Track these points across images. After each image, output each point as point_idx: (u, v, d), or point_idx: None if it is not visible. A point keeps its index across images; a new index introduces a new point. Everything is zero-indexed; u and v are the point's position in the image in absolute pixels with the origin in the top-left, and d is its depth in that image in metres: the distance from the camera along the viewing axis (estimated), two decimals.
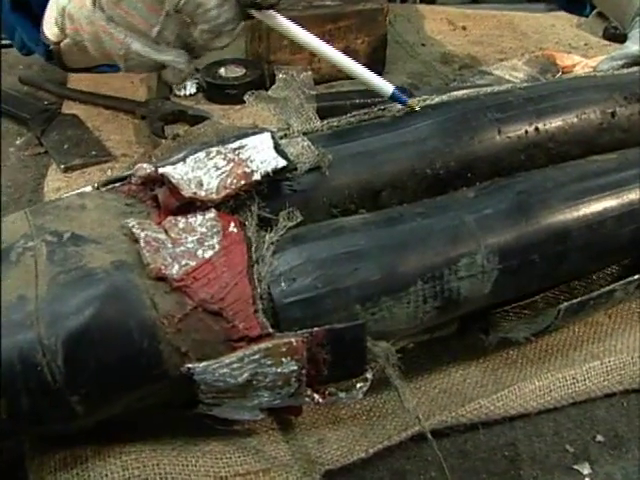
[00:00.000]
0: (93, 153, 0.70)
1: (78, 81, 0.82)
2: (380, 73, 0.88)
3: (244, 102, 0.75)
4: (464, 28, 1.04)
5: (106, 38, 0.53)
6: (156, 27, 0.52)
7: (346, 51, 0.84)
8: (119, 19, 0.52)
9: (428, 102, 0.51)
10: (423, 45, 0.99)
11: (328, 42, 0.81)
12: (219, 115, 0.76)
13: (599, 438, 0.45)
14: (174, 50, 0.54)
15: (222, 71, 0.82)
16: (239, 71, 0.82)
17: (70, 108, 0.79)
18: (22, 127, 0.78)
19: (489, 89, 0.54)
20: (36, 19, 0.63)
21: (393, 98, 0.50)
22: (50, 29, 0.59)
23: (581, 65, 0.85)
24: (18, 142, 0.76)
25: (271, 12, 0.52)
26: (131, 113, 0.78)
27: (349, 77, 0.85)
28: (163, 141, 0.70)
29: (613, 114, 0.53)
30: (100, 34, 0.53)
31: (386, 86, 0.50)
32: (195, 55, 0.56)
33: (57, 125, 0.75)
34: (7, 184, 0.69)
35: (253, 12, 0.53)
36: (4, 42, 1.18)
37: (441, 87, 0.84)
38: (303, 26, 0.80)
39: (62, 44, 0.59)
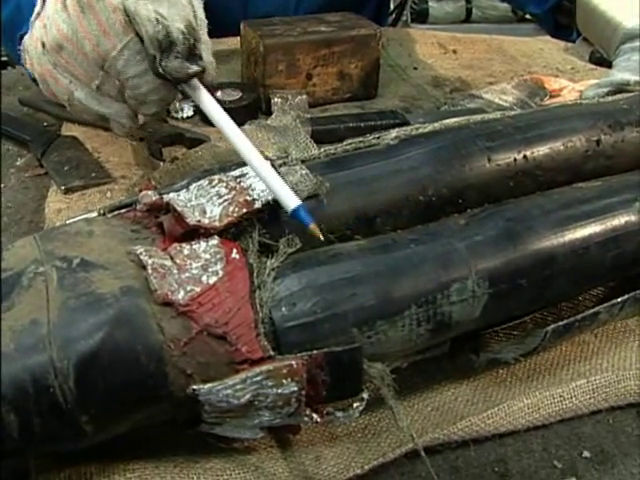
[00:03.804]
0: (93, 175, 0.71)
1: None
2: (373, 96, 0.91)
3: (240, 125, 0.77)
4: (455, 52, 1.06)
5: (52, 81, 0.53)
6: (96, 80, 0.51)
7: (340, 75, 0.87)
8: (62, 67, 0.52)
9: (421, 130, 0.53)
10: (415, 69, 1.01)
11: (322, 66, 0.86)
12: (216, 138, 0.77)
13: (586, 454, 0.46)
14: (116, 104, 0.53)
15: (219, 94, 0.84)
16: (235, 95, 0.84)
17: (69, 130, 0.80)
18: (22, 148, 0.79)
19: (479, 117, 0.56)
20: None
21: (294, 215, 0.43)
22: None
23: (568, 89, 0.88)
24: (18, 163, 0.77)
25: (195, 83, 0.49)
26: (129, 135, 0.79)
27: (343, 100, 0.89)
28: (161, 163, 0.71)
29: (598, 142, 0.55)
30: (46, 76, 0.53)
31: (292, 201, 0.43)
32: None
33: (57, 147, 0.76)
34: (8, 205, 0.70)
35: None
36: (3, 59, 1.20)
37: (432, 110, 0.86)
38: (299, 51, 0.83)
39: None
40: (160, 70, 0.48)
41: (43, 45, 0.51)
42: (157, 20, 0.47)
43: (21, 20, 0.69)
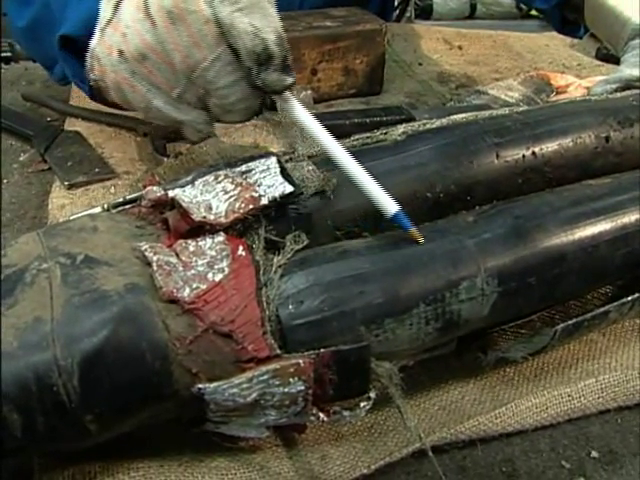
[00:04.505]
0: (96, 170, 0.70)
1: (81, 98, 0.82)
2: (378, 92, 0.90)
3: (245, 120, 0.77)
4: (460, 48, 1.05)
5: (128, 89, 0.52)
6: (177, 89, 0.50)
7: (345, 71, 0.87)
8: (142, 75, 0.51)
9: (428, 126, 0.53)
10: (420, 64, 1.00)
11: (327, 62, 0.85)
12: (220, 133, 0.77)
13: (594, 454, 0.46)
14: (195, 111, 0.52)
15: None
16: None
17: (73, 125, 0.80)
18: (25, 144, 0.79)
19: (487, 113, 0.56)
20: (83, 57, 0.60)
21: (395, 219, 0.45)
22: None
23: (574, 85, 0.87)
24: (22, 158, 0.77)
25: (286, 95, 0.49)
26: (133, 131, 0.78)
27: (348, 96, 0.88)
28: (165, 159, 0.71)
29: (607, 139, 0.55)
30: (122, 85, 0.52)
31: (391, 206, 0.45)
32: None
33: (60, 142, 0.76)
34: (11, 201, 0.69)
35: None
36: (4, 55, 1.19)
37: (438, 107, 0.85)
38: (304, 46, 0.82)
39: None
40: (258, 83, 0.48)
41: (120, 53, 0.50)
42: (254, 33, 0.46)
43: (51, 20, 0.67)
